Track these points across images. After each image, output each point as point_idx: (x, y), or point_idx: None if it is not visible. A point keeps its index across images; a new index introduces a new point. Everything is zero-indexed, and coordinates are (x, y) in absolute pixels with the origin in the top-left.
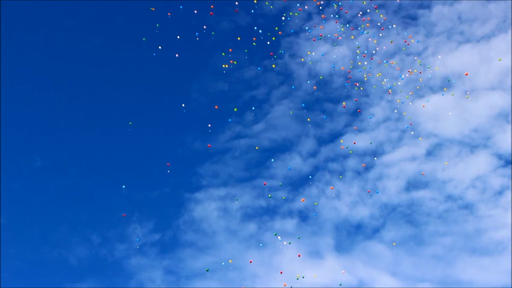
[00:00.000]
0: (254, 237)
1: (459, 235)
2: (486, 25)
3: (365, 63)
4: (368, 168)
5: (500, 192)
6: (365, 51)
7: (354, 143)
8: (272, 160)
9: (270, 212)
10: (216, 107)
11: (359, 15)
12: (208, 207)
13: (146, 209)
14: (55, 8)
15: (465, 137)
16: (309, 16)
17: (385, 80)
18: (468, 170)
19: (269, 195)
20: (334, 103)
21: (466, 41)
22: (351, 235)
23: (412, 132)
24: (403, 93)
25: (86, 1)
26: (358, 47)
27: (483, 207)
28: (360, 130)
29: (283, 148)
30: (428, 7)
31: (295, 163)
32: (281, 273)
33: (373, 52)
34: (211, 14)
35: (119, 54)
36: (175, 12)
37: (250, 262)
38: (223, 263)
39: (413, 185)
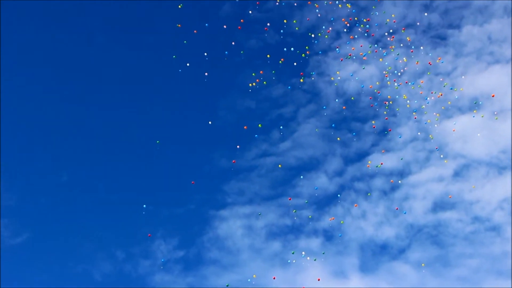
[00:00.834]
0: (278, 256)
1: (485, 257)
2: None
3: (394, 82)
4: (394, 188)
5: None
6: (394, 71)
7: (382, 164)
8: (302, 177)
9: (295, 231)
10: (245, 127)
11: (386, 34)
12: (233, 225)
13: (171, 226)
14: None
15: (493, 158)
16: (337, 35)
17: (412, 100)
18: (495, 192)
19: (294, 211)
20: (361, 122)
21: (496, 61)
22: (376, 255)
23: (441, 156)
24: (431, 113)
25: (111, 22)
26: (389, 68)
27: (511, 229)
28: (387, 150)
29: (309, 166)
30: (458, 27)
31: (321, 182)
32: None
33: (401, 72)
34: (239, 28)
35: (148, 71)
36: (202, 28)
37: (274, 278)
38: (248, 279)
39: (439, 206)
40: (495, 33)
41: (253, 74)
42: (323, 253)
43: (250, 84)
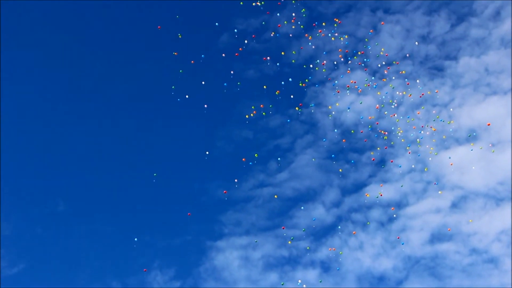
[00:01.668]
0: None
1: None
2: None
3: (391, 113)
4: (391, 219)
5: None
6: (391, 102)
7: (381, 195)
8: (302, 207)
9: (292, 262)
10: (243, 159)
11: (381, 65)
12: (229, 256)
13: (167, 256)
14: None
15: (491, 189)
16: (334, 66)
17: (409, 132)
18: (493, 223)
19: (291, 239)
20: (358, 153)
21: (493, 93)
22: (373, 286)
23: (439, 191)
24: (427, 144)
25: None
26: (390, 101)
27: (508, 261)
28: (384, 181)
29: (307, 197)
30: (455, 58)
31: (319, 213)
32: None
33: (397, 103)
34: (236, 55)
35: (145, 101)
36: (198, 59)
37: None
38: None
39: (437, 237)
40: (492, 64)
41: (253, 107)
42: (320, 281)
43: (247, 116)
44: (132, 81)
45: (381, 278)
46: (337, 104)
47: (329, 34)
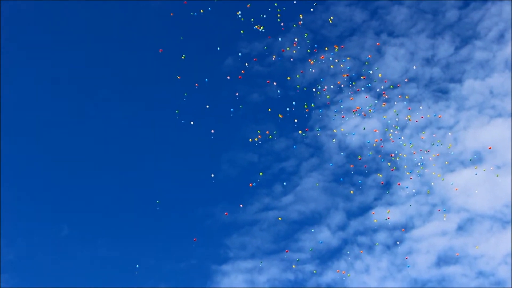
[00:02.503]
0: None
1: None
2: None
3: (396, 136)
4: (398, 242)
5: None
6: (395, 125)
7: (389, 218)
8: (313, 230)
9: (298, 285)
10: (250, 185)
11: (384, 88)
12: (235, 280)
13: (172, 280)
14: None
15: (497, 212)
16: (339, 89)
17: (414, 154)
18: (499, 246)
19: (296, 262)
20: (364, 176)
21: (498, 115)
22: None
23: (444, 216)
24: (432, 167)
25: (112, 73)
26: (396, 127)
27: None
28: (390, 204)
29: (312, 221)
30: (459, 81)
31: (324, 236)
32: None
33: (402, 126)
34: (240, 78)
35: (148, 124)
36: (202, 82)
37: None
38: None
39: (443, 260)
40: (496, 87)
41: (258, 131)
42: None
43: (250, 140)
44: (135, 104)
45: None
46: (342, 129)
47: (330, 58)
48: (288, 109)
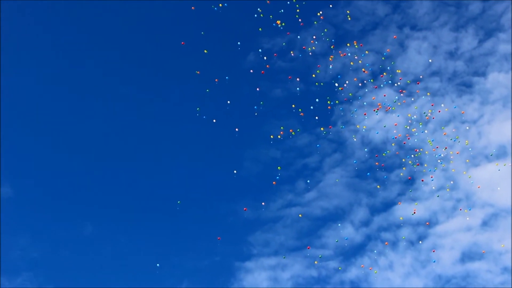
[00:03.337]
0: None
1: None
2: None
3: (419, 130)
4: (421, 238)
5: None
6: (419, 120)
7: (414, 212)
8: (339, 224)
9: (322, 282)
10: (274, 183)
11: (408, 82)
12: (258, 277)
13: (196, 278)
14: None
15: None
16: (361, 84)
17: (438, 149)
18: None
19: (319, 257)
20: (387, 171)
21: None
22: None
23: (467, 218)
24: (457, 162)
25: (135, 70)
26: (420, 121)
27: None
28: (413, 199)
29: (335, 217)
30: (483, 74)
31: (347, 232)
32: None
33: (423, 121)
34: (263, 73)
35: (171, 123)
36: (223, 78)
37: None
38: None
39: (468, 256)
40: None
41: (282, 127)
42: None
43: (271, 136)
44: (157, 101)
45: None
46: (364, 127)
47: (349, 54)
48: (311, 107)
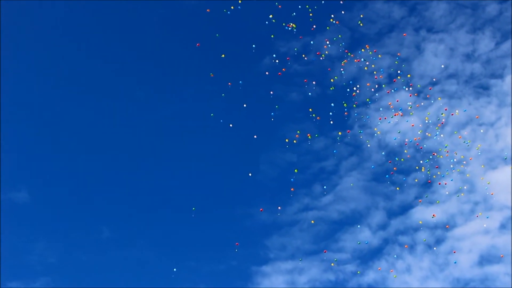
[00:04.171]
0: None
1: None
2: None
3: (437, 133)
4: (439, 241)
5: None
6: (436, 123)
7: (434, 215)
8: (359, 226)
9: (339, 286)
10: (292, 189)
11: (424, 85)
12: (275, 281)
13: (212, 282)
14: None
15: None
16: (377, 87)
17: (455, 151)
18: None
19: (334, 260)
20: (404, 174)
21: None
22: None
23: (484, 224)
24: (474, 164)
25: (148, 72)
26: (437, 124)
27: None
28: (431, 203)
29: (352, 220)
30: (501, 76)
31: (364, 236)
32: None
33: (440, 124)
34: (279, 74)
35: (185, 127)
36: (237, 81)
37: None
38: None
39: (486, 259)
40: None
41: (298, 131)
42: None
43: (286, 140)
44: (173, 105)
45: None
46: (378, 132)
47: (362, 59)
48: (329, 111)
